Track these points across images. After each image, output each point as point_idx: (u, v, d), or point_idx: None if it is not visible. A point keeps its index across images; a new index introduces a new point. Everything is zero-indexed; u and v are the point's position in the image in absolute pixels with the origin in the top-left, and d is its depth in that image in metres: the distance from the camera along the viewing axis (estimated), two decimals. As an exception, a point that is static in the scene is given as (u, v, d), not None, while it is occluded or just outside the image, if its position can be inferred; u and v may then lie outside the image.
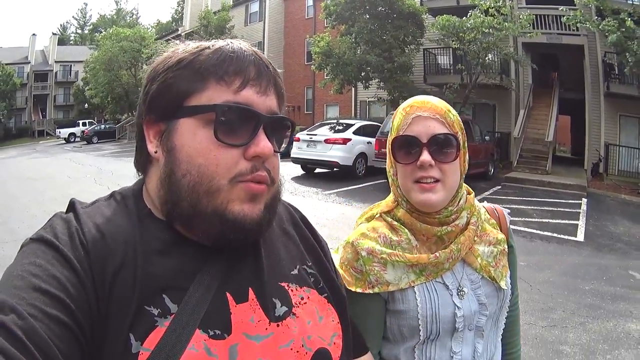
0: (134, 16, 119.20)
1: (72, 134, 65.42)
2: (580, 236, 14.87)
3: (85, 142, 59.12)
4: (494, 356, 2.22)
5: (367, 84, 33.41)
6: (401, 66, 30.60)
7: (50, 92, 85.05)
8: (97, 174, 26.56)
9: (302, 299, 1.45)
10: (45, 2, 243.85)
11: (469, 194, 2.21)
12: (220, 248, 1.33)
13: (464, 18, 27.06)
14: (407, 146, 2.03)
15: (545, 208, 19.07)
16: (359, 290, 2.06)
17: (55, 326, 1.03)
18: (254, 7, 53.68)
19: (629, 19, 22.90)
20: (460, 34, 27.25)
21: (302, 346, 1.36)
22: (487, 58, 29.08)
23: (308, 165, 25.16)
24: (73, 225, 1.24)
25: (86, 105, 78.08)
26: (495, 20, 26.14)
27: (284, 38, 52.62)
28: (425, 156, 1.97)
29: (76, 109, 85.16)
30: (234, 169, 1.28)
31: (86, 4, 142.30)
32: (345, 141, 23.25)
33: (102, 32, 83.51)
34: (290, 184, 22.15)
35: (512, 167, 29.38)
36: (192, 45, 1.38)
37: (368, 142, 23.27)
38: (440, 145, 2.00)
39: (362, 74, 31.81)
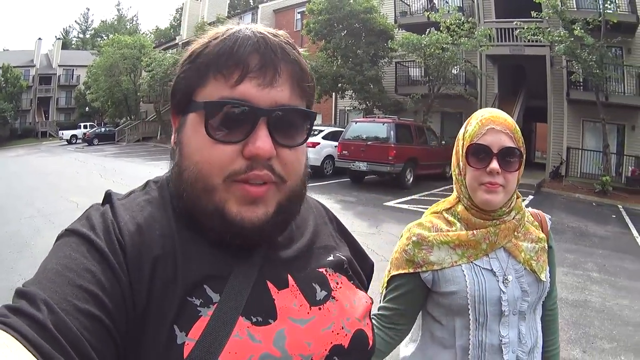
0: (134, 23, 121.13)
1: (74, 136, 67.14)
2: None
3: (87, 144, 60.81)
4: (538, 339, 2.48)
5: (342, 95, 36.95)
6: (371, 78, 33.97)
7: (53, 94, 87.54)
8: (101, 170, 29.20)
9: (338, 284, 1.45)
10: (49, 6, 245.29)
11: (517, 198, 2.48)
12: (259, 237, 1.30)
13: (422, 35, 30.04)
14: (479, 153, 2.31)
15: None
16: (410, 270, 2.39)
17: (88, 321, 1.02)
18: (247, 19, 55.28)
19: (578, 28, 25.10)
20: (419, 50, 30.52)
21: (342, 328, 1.36)
22: (452, 71, 32.08)
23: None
24: (109, 217, 1.23)
25: (87, 108, 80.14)
26: (451, 37, 29.27)
27: None
28: (494, 165, 2.25)
29: (77, 111, 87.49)
30: (228, 167, 1.22)
31: (88, 9, 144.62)
32: (314, 145, 26.38)
33: (103, 37, 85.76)
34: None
35: None
36: (208, 34, 1.32)
37: (335, 146, 26.30)
38: (507, 157, 2.28)
39: (338, 85, 35.16)
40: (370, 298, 1.56)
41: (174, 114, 1.36)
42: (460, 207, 2.46)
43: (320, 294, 1.39)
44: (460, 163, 2.43)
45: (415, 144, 25.78)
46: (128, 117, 67.50)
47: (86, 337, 0.99)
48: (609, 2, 27.04)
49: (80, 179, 25.54)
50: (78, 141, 65.39)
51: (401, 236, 2.55)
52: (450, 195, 2.60)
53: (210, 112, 1.22)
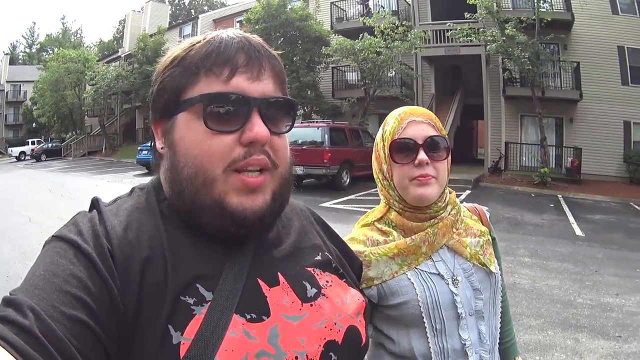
0: (79, 36, 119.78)
1: (23, 152, 66.75)
2: None
3: (35, 160, 60.76)
4: (497, 339, 2.39)
5: (280, 101, 37.62)
6: (307, 84, 35.08)
7: (1, 111, 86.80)
8: (50, 185, 29.48)
9: (328, 282, 1.48)
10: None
11: (450, 193, 2.41)
12: (238, 236, 1.34)
13: (356, 40, 30.99)
14: (404, 148, 2.23)
15: None
16: None
17: (75, 327, 1.04)
18: (187, 30, 57.50)
19: (510, 27, 26.28)
20: (353, 55, 31.37)
21: (335, 324, 1.39)
22: (387, 74, 32.82)
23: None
24: (96, 223, 1.25)
25: (34, 124, 79.73)
26: (385, 41, 30.11)
27: None
28: (422, 155, 2.18)
29: (25, 128, 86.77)
30: (228, 156, 1.28)
31: (34, 23, 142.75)
32: None
33: (48, 51, 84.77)
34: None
35: None
36: (186, 42, 1.40)
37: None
38: (434, 146, 2.22)
39: None
40: (362, 296, 1.61)
41: (157, 119, 1.40)
42: (393, 214, 2.38)
43: (311, 291, 1.42)
44: (384, 166, 2.35)
45: (350, 146, 26.49)
46: (74, 132, 67.38)
47: (73, 343, 1.02)
48: (542, 1, 27.89)
49: (32, 194, 25.95)
50: (27, 157, 64.96)
51: None
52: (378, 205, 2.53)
53: (208, 104, 1.28)
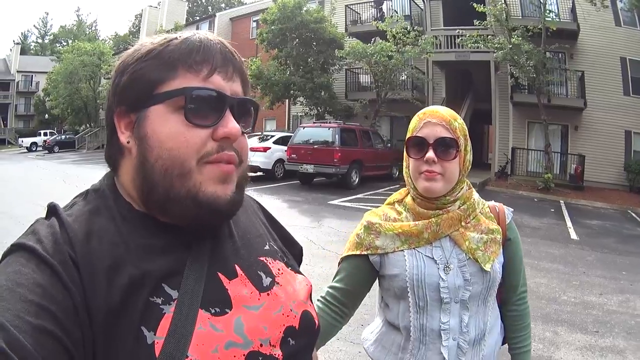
0: (94, 29, 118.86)
1: (34, 143, 66.48)
2: None
3: (47, 151, 60.28)
4: (485, 334, 2.54)
5: (294, 101, 38.64)
6: (321, 85, 35.50)
7: (11, 101, 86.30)
8: (64, 176, 29.61)
9: (279, 270, 1.55)
10: (5, 8, 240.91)
11: (469, 189, 2.64)
12: (198, 230, 1.39)
13: (368, 44, 31.66)
14: (417, 145, 2.48)
15: None
16: (357, 252, 2.60)
17: (41, 337, 1.04)
18: (204, 27, 55.19)
19: (516, 36, 26.93)
20: (366, 58, 31.98)
21: (291, 310, 1.46)
22: (400, 77, 33.97)
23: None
24: (56, 230, 1.25)
25: (46, 115, 79.35)
26: (396, 45, 30.82)
27: None
28: (430, 154, 2.41)
29: (37, 119, 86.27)
30: (202, 149, 1.31)
31: (47, 14, 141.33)
32: (265, 149, 28.35)
33: (62, 43, 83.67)
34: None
35: None
36: (159, 37, 1.41)
37: (285, 150, 27.68)
38: (443, 146, 2.43)
39: (290, 92, 36.41)
40: (309, 281, 1.68)
41: (124, 112, 1.38)
42: (408, 198, 2.63)
43: (266, 280, 1.48)
44: (405, 156, 2.60)
45: (360, 147, 27.08)
46: (88, 125, 67.35)
47: (40, 353, 1.01)
48: (548, 11, 28.21)
49: (45, 185, 26.28)
50: (38, 149, 64.74)
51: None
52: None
53: (190, 97, 1.31)
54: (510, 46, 27.08)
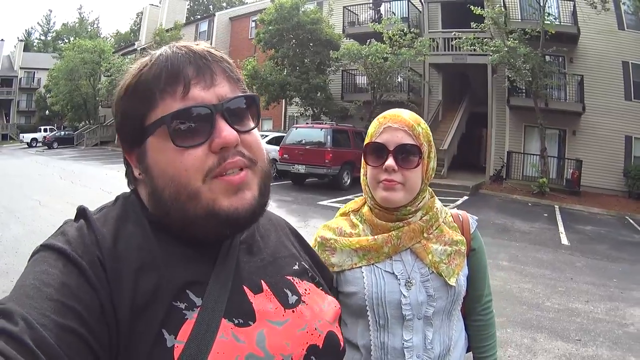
0: (96, 26, 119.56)
1: (35, 139, 67.15)
2: None
3: (47, 147, 60.72)
4: (450, 349, 2.42)
5: (290, 102, 38.51)
6: (316, 86, 35.55)
7: (14, 97, 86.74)
8: (61, 172, 30.33)
9: (306, 290, 1.55)
10: (10, 5, 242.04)
11: (431, 197, 2.49)
12: (224, 242, 1.41)
13: (363, 46, 31.69)
14: (376, 151, 2.32)
15: None
16: None
17: (67, 336, 1.04)
18: (203, 27, 57.45)
19: (512, 39, 26.82)
20: (361, 60, 32.14)
21: (315, 329, 1.45)
22: (395, 79, 34.35)
23: None
24: (84, 233, 1.25)
25: (47, 112, 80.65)
26: (392, 47, 30.90)
27: (230, 56, 52.94)
28: (390, 162, 2.25)
29: (38, 115, 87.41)
30: (203, 166, 1.30)
31: (50, 11, 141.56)
32: None
33: (65, 40, 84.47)
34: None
35: None
36: (135, 66, 1.40)
37: (278, 151, 27.78)
38: (404, 154, 2.27)
39: (286, 93, 36.48)
40: (338, 303, 1.67)
41: (129, 150, 1.41)
42: (365, 209, 2.49)
43: (292, 298, 1.47)
44: (363, 163, 2.47)
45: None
46: (87, 121, 67.40)
47: (65, 352, 1.02)
48: (547, 14, 28.21)
49: (42, 180, 26.71)
50: (38, 144, 65.15)
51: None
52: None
53: (171, 123, 1.29)
54: (507, 49, 27.10)
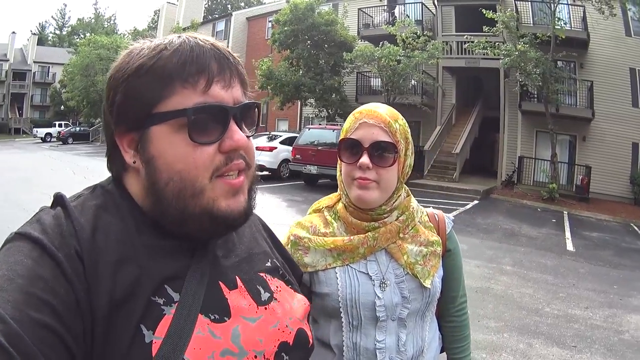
0: (112, 22, 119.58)
1: (49, 134, 67.39)
2: None
3: (61, 143, 61.44)
4: (424, 351, 2.39)
5: (305, 102, 38.84)
6: (330, 87, 36.05)
7: (27, 91, 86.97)
8: (74, 168, 30.36)
9: (277, 287, 1.56)
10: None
11: (407, 196, 2.43)
12: (205, 238, 1.41)
13: (376, 48, 32.00)
14: (350, 148, 2.25)
15: (427, 205, 22.21)
16: None
17: (41, 331, 1.03)
18: (220, 26, 57.53)
19: (522, 43, 26.93)
20: (374, 62, 32.35)
21: (287, 326, 1.48)
22: (408, 82, 33.68)
23: None
24: (62, 222, 1.23)
25: (62, 107, 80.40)
26: (404, 50, 31.07)
27: (246, 56, 51.72)
28: (365, 159, 2.19)
29: (52, 110, 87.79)
30: (211, 165, 1.31)
31: (65, 5, 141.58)
32: (271, 149, 29.25)
33: (80, 35, 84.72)
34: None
35: (423, 175, 32.49)
36: (147, 46, 1.35)
37: (291, 151, 28.25)
38: (380, 151, 2.21)
39: (301, 94, 36.74)
40: (308, 301, 1.71)
41: (124, 131, 1.35)
42: (340, 205, 2.42)
43: (264, 295, 1.49)
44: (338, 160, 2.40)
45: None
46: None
47: (39, 348, 1.01)
48: (557, 19, 27.97)
49: (54, 176, 26.79)
50: (53, 139, 65.29)
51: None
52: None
53: (192, 116, 1.28)
54: (517, 53, 27.11)
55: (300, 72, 37.05)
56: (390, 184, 2.28)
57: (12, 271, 1.09)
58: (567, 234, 19.64)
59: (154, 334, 1.18)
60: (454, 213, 21.40)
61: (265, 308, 1.46)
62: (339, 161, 2.38)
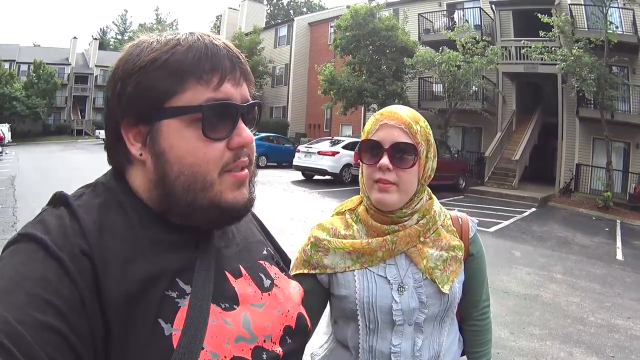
0: (174, 28, 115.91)
1: None
2: (492, 229, 19.26)
3: None
4: (440, 355, 2.37)
5: (368, 108, 39.11)
6: (393, 93, 35.92)
7: (90, 94, 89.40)
8: None
9: (276, 274, 1.61)
10: (85, 5, 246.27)
11: (430, 199, 2.40)
12: (209, 230, 1.45)
13: (435, 53, 32.21)
14: (371, 149, 2.23)
15: (486, 212, 23.22)
16: (305, 271, 2.35)
17: (46, 333, 1.03)
18: (283, 31, 59.31)
19: (576, 47, 26.72)
20: (434, 67, 32.63)
21: (288, 311, 1.52)
22: (469, 88, 33.62)
23: (306, 172, 31.05)
24: (67, 222, 1.23)
25: None
26: (464, 55, 31.25)
27: (309, 61, 56.08)
28: (385, 160, 2.16)
29: None
30: (221, 161, 1.34)
31: (126, 11, 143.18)
32: (333, 153, 29.21)
33: None
34: (288, 185, 28.23)
35: (484, 182, 33.16)
36: (158, 40, 1.38)
37: (353, 156, 28.26)
38: (400, 152, 2.18)
39: (364, 99, 36.97)
40: (301, 287, 1.74)
41: (132, 123, 1.36)
42: (361, 208, 2.40)
43: (266, 281, 1.53)
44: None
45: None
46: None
47: (44, 349, 1.01)
48: (609, 22, 27.63)
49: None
50: (115, 141, 66.04)
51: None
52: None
53: (208, 114, 1.31)
54: (572, 58, 26.90)
55: (363, 77, 37.21)
56: (411, 186, 2.26)
57: (16, 272, 1.11)
58: (618, 243, 19.53)
59: (172, 326, 1.21)
60: (511, 220, 21.78)
61: (269, 294, 1.51)
62: (361, 164, 2.39)
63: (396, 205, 2.25)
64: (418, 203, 2.32)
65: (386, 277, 2.28)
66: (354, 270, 2.30)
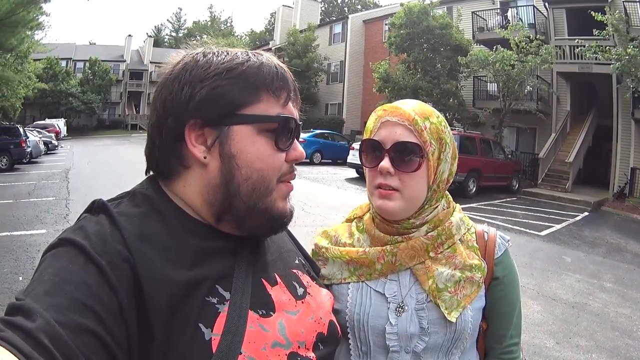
0: (229, 25, 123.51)
1: None
2: (544, 232, 18.72)
3: None
4: None
5: (422, 107, 39.21)
6: (447, 92, 36.26)
7: (144, 90, 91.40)
8: None
9: (308, 282, 1.67)
10: (140, 3, 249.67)
11: (448, 208, 2.12)
12: (248, 239, 1.50)
13: (489, 52, 32.00)
14: (372, 151, 2.01)
15: (538, 214, 22.92)
16: None
17: (84, 335, 1.06)
18: (337, 29, 58.72)
19: (631, 46, 25.51)
20: (488, 66, 32.27)
21: (321, 318, 1.58)
22: (524, 88, 33.30)
23: (360, 170, 29.40)
24: (107, 230, 1.27)
25: None
26: (518, 54, 30.71)
27: (364, 59, 55.97)
28: (385, 163, 1.93)
29: None
30: (280, 170, 1.47)
31: (181, 9, 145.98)
32: None
33: (197, 37, 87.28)
34: (342, 182, 28.64)
35: (537, 183, 32.64)
36: (223, 52, 1.47)
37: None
38: (403, 153, 1.93)
39: (418, 97, 34.05)
40: (332, 295, 1.81)
41: (199, 125, 1.40)
42: (367, 216, 2.20)
43: (299, 290, 1.59)
44: None
45: (479, 155, 27.07)
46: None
47: (82, 351, 1.04)
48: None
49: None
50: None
51: None
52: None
53: (282, 125, 1.44)
54: (627, 57, 25.70)
55: (418, 75, 37.36)
56: (416, 192, 1.98)
57: (57, 276, 1.14)
58: (671, 251, 18.76)
59: (212, 331, 1.26)
60: (563, 224, 21.38)
61: (302, 302, 1.56)
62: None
63: (400, 214, 1.99)
64: (431, 213, 2.05)
65: (384, 294, 2.02)
66: (349, 282, 2.08)
